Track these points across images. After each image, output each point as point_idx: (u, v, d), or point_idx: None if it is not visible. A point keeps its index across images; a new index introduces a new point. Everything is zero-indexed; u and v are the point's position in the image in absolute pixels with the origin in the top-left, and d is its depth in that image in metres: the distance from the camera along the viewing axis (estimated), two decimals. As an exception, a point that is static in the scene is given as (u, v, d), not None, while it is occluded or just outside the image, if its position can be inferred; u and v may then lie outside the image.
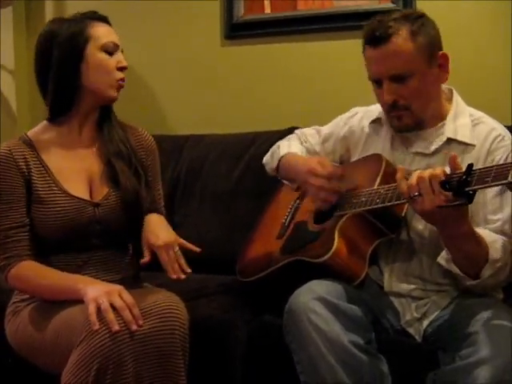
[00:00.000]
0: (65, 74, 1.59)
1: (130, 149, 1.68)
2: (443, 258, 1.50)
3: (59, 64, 1.58)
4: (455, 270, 1.47)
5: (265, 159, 1.96)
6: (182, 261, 1.53)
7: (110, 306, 1.37)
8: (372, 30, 1.56)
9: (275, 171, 1.89)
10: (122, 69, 1.62)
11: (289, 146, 1.87)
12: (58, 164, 1.62)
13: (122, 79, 1.63)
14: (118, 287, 1.44)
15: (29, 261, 1.56)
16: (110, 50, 1.60)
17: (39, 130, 1.67)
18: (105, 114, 1.68)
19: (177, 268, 1.51)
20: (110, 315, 1.35)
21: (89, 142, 1.67)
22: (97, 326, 1.34)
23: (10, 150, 1.59)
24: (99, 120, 1.68)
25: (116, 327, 1.34)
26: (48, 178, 1.60)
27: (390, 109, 1.60)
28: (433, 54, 1.57)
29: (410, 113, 1.58)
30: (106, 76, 1.60)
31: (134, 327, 1.36)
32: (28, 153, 1.61)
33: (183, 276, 1.51)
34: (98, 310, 1.37)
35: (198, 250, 1.57)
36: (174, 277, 1.51)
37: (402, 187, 1.39)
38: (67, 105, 1.62)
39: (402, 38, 1.53)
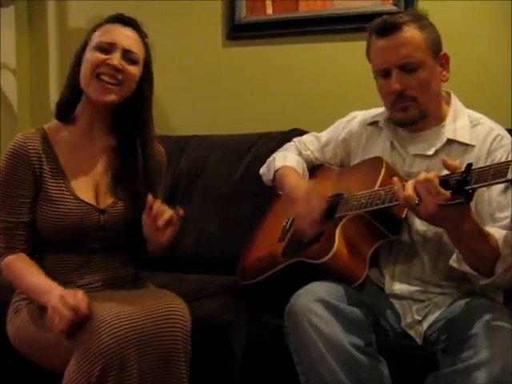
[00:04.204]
0: (70, 77, 1.60)
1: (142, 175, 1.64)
2: (454, 260, 1.50)
3: (69, 69, 1.61)
4: (468, 269, 1.46)
5: (261, 170, 1.97)
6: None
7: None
8: (383, 20, 1.59)
9: (271, 182, 1.91)
10: (108, 65, 1.53)
11: (284, 159, 1.87)
12: (69, 164, 1.60)
13: (104, 74, 1.53)
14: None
15: (21, 254, 1.57)
16: (103, 48, 1.54)
17: (55, 125, 1.64)
18: (124, 122, 1.63)
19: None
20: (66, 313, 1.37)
21: (101, 148, 1.65)
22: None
23: (25, 143, 1.56)
24: (114, 128, 1.65)
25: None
26: (59, 178, 1.58)
27: (396, 99, 1.60)
28: (437, 52, 1.60)
29: (417, 104, 1.59)
30: (87, 71, 1.54)
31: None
32: (43, 147, 1.58)
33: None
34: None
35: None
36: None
37: (401, 198, 1.38)
38: (68, 108, 1.62)
39: (412, 28, 1.57)
